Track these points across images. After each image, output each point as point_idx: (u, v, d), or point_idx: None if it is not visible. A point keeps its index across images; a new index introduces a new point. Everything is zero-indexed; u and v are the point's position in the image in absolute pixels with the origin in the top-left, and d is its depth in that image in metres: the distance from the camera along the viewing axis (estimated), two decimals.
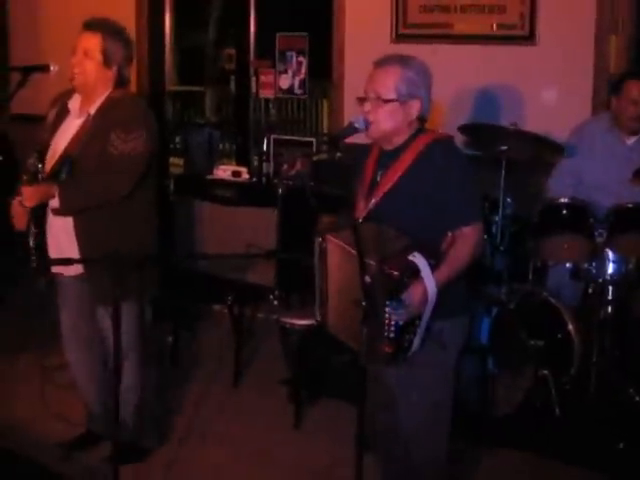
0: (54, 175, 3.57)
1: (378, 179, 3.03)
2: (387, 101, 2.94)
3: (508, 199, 4.44)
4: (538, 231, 4.41)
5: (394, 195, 2.96)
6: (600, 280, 4.30)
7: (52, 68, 3.55)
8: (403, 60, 2.98)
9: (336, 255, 2.95)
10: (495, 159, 4.39)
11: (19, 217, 3.66)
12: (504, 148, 4.36)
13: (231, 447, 4.12)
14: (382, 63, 3.00)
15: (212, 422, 4.34)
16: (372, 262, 2.71)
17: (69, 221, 3.60)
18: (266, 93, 6.36)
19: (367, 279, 2.65)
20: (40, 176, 3.57)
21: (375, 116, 2.95)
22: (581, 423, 4.15)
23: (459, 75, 5.12)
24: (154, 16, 6.69)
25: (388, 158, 3.02)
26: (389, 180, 2.98)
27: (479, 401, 4.19)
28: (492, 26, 5.15)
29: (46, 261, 3.70)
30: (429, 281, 2.77)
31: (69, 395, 4.22)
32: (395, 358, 2.83)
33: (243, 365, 4.91)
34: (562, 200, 4.36)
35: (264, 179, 5.59)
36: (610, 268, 4.28)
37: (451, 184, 2.89)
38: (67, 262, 3.63)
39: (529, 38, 5.02)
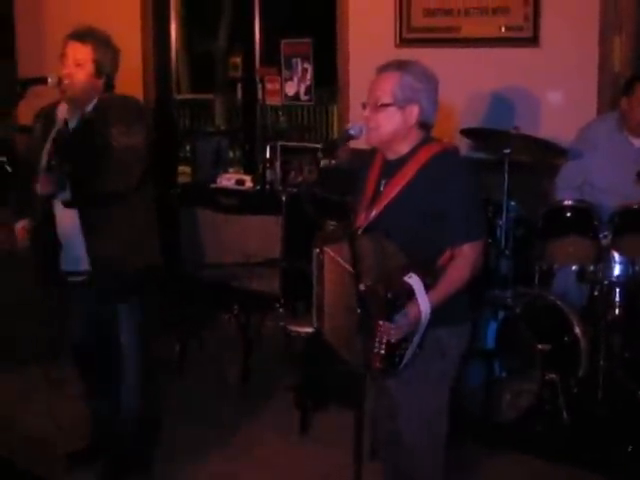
0: (59, 165, 3.57)
1: (381, 189, 2.98)
2: (384, 106, 2.91)
3: (512, 202, 4.41)
4: (543, 234, 4.39)
5: (395, 208, 2.91)
6: (606, 282, 4.27)
7: (50, 80, 3.55)
8: (402, 65, 2.95)
9: (332, 268, 2.91)
10: (499, 162, 4.37)
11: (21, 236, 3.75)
12: (507, 151, 4.33)
13: (237, 453, 4.13)
14: (382, 69, 2.98)
15: (218, 429, 4.34)
16: (367, 283, 2.71)
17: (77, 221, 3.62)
18: (273, 100, 6.35)
19: (361, 287, 2.64)
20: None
21: (374, 121, 2.93)
22: (589, 426, 4.13)
23: (464, 78, 5.09)
24: (159, 24, 6.72)
25: (392, 168, 2.98)
26: (391, 192, 2.93)
27: (486, 406, 4.16)
28: (499, 28, 5.11)
29: (51, 274, 3.74)
30: (424, 303, 2.76)
31: (75, 407, 4.22)
32: (385, 373, 2.85)
33: (250, 372, 4.90)
34: (566, 202, 4.36)
35: (268, 187, 5.56)
36: (616, 270, 4.26)
37: (453, 199, 2.83)
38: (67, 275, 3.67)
39: (533, 40, 4.99)
